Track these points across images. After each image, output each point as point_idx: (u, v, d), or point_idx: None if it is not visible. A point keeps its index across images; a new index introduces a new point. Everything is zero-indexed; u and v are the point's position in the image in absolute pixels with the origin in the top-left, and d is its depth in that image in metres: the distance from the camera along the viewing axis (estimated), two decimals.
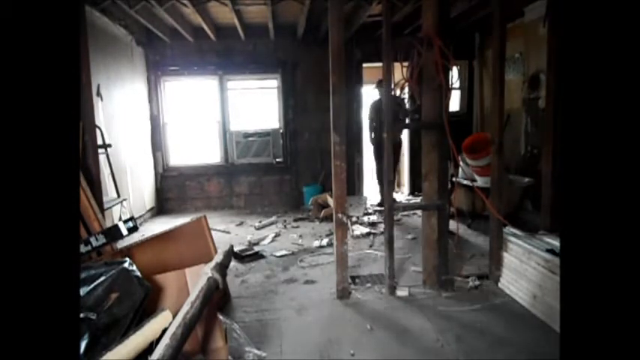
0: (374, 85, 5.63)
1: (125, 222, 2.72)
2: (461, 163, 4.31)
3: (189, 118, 6.30)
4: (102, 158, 3.63)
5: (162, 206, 6.20)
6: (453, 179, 4.05)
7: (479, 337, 2.36)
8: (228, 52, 6.05)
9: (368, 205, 5.39)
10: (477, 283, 3.04)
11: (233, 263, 3.47)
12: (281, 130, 6.28)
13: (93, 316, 1.91)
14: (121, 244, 2.91)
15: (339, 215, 2.84)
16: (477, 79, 6.33)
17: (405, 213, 5.44)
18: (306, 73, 6.17)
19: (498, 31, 2.86)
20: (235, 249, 3.75)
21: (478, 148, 4.29)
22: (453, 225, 3.14)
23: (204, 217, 2.89)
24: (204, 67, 6.05)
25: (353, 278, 3.22)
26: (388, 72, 2.77)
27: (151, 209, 5.90)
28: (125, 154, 4.93)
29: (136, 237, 2.98)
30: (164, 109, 6.16)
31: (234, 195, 6.36)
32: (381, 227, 4.54)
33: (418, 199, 6.07)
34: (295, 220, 5.40)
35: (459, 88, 6.50)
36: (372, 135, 5.62)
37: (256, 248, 4.13)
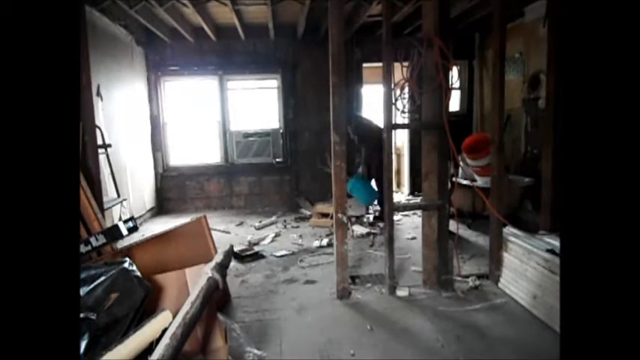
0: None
1: (125, 222, 2.72)
2: (461, 163, 4.31)
3: (189, 118, 6.30)
4: (102, 158, 3.63)
5: (162, 206, 6.20)
6: (453, 179, 4.05)
7: (479, 337, 2.36)
8: (228, 52, 6.05)
9: (371, 211, 5.38)
10: (477, 283, 3.04)
11: (233, 263, 3.47)
12: (281, 130, 6.28)
13: (93, 316, 1.91)
14: (121, 244, 2.92)
15: (339, 215, 2.84)
16: (477, 79, 6.33)
17: (405, 213, 5.44)
18: (306, 73, 6.17)
19: (498, 31, 2.87)
20: (235, 249, 3.75)
21: (478, 148, 4.29)
22: (453, 225, 3.14)
23: (204, 217, 2.89)
24: (204, 67, 6.05)
25: (353, 278, 3.21)
26: (388, 72, 2.77)
27: (151, 209, 5.90)
28: (125, 154, 4.93)
29: (136, 237, 2.98)
30: (164, 109, 6.16)
31: (234, 195, 6.36)
32: (381, 227, 4.54)
33: (418, 199, 6.07)
34: (295, 220, 5.40)
35: (459, 88, 6.50)
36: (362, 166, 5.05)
37: (256, 248, 4.13)
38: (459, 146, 4.18)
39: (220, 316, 2.31)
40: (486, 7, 4.42)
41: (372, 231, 4.60)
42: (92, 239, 2.55)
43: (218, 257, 2.52)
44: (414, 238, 4.32)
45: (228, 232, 4.96)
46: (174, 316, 1.92)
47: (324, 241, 4.26)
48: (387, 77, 2.78)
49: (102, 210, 3.03)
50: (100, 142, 3.44)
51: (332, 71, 2.77)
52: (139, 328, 1.86)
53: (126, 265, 2.28)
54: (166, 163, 6.22)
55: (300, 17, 5.18)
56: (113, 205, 3.88)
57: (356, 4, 4.70)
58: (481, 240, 4.12)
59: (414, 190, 6.58)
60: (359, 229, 4.61)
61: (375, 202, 5.20)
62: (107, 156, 3.99)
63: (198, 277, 2.30)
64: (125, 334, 1.86)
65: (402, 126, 5.41)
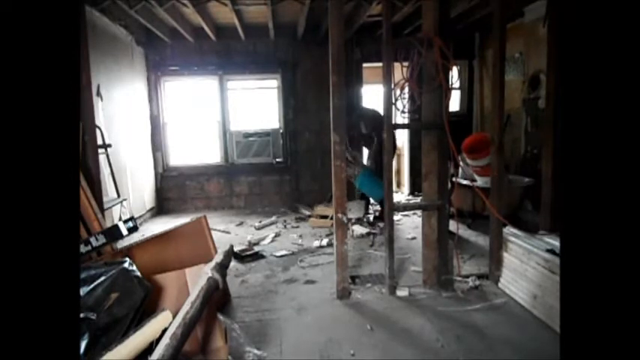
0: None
1: (125, 222, 2.72)
2: (461, 163, 4.31)
3: (189, 118, 6.30)
4: (102, 158, 3.63)
5: (162, 206, 6.20)
6: (453, 179, 4.05)
7: (479, 337, 2.36)
8: (228, 52, 6.05)
9: (371, 212, 5.38)
10: (477, 283, 3.04)
11: (233, 263, 3.47)
12: (281, 130, 6.28)
13: (93, 316, 1.91)
14: (121, 244, 2.92)
15: (339, 215, 2.84)
16: (477, 79, 6.33)
17: (405, 213, 5.44)
18: (306, 73, 6.17)
19: (498, 31, 2.86)
20: (235, 249, 3.75)
21: (478, 148, 4.29)
22: (453, 225, 3.14)
23: (204, 217, 2.89)
24: (204, 67, 6.05)
25: (353, 278, 3.21)
26: (388, 72, 2.77)
27: (151, 209, 5.90)
28: (125, 154, 4.93)
29: (136, 237, 2.98)
30: (164, 109, 6.15)
31: (234, 195, 6.36)
32: (381, 227, 4.54)
33: (418, 199, 6.07)
34: (295, 220, 5.40)
35: (459, 88, 6.50)
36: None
37: (256, 248, 4.13)
38: (459, 146, 4.18)
39: (220, 316, 2.31)
40: (486, 7, 4.42)
41: (372, 231, 4.60)
42: (92, 239, 2.55)
43: (218, 257, 2.52)
44: (414, 238, 4.32)
45: (228, 232, 4.96)
46: (174, 316, 1.92)
47: (324, 241, 4.26)
48: (387, 77, 2.78)
49: (102, 210, 3.03)
50: (100, 142, 3.44)
51: (332, 71, 2.77)
52: (139, 328, 1.86)
53: (126, 265, 2.28)
54: (166, 163, 6.22)
55: (300, 17, 5.17)
56: (113, 205, 3.88)
57: (356, 4, 4.70)
58: (481, 240, 4.12)
59: (414, 190, 6.58)
60: (359, 229, 4.61)
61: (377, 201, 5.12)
62: (107, 156, 3.99)
63: (198, 277, 2.30)
64: (125, 334, 1.86)
65: (402, 126, 5.41)
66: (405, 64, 2.95)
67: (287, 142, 6.29)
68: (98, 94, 4.22)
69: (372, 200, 5.39)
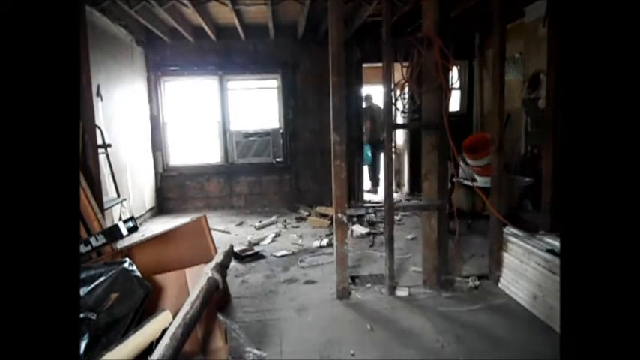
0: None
1: (125, 222, 2.72)
2: (461, 163, 4.31)
3: (189, 118, 6.30)
4: (102, 158, 3.63)
5: (162, 206, 6.19)
6: (453, 179, 4.05)
7: (479, 337, 2.36)
8: (228, 52, 6.04)
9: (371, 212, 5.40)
10: (477, 283, 3.04)
11: (233, 263, 3.47)
12: (281, 130, 6.28)
13: (93, 316, 1.91)
14: (121, 244, 2.91)
15: (339, 215, 2.84)
16: (476, 79, 6.32)
17: (405, 213, 5.44)
18: (306, 73, 6.17)
19: (498, 31, 2.87)
20: (235, 249, 3.75)
21: (478, 148, 4.29)
22: (453, 225, 3.14)
23: (204, 217, 2.89)
24: (204, 67, 6.05)
25: (353, 278, 3.22)
26: (388, 72, 2.77)
27: (151, 209, 5.90)
28: (125, 154, 4.93)
29: (136, 237, 2.98)
30: (164, 109, 6.15)
31: (234, 195, 6.36)
32: (381, 227, 4.54)
33: (418, 199, 6.07)
34: (295, 220, 5.40)
35: (459, 88, 6.49)
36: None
37: (256, 248, 4.13)
38: (459, 146, 4.18)
39: (220, 316, 2.31)
40: (486, 7, 4.41)
41: (372, 231, 4.60)
42: (92, 239, 2.55)
43: (218, 257, 2.52)
44: (414, 238, 4.32)
45: (228, 232, 4.96)
46: (174, 316, 1.92)
47: (324, 241, 4.26)
48: (387, 77, 2.78)
49: (102, 210, 3.03)
50: (100, 142, 3.44)
51: (332, 71, 2.76)
52: (139, 328, 1.86)
53: (126, 265, 2.28)
54: (166, 163, 6.22)
55: (300, 17, 5.17)
56: (113, 205, 3.88)
57: (356, 4, 4.69)
58: (481, 240, 4.11)
59: (414, 190, 6.57)
60: (359, 229, 4.61)
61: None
62: (107, 156, 3.99)
63: (198, 277, 2.30)
64: (125, 334, 1.86)
65: (402, 126, 5.44)
66: (405, 64, 2.95)
67: (287, 142, 6.29)
68: (98, 94, 4.22)
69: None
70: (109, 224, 2.99)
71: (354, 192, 6.19)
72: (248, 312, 2.77)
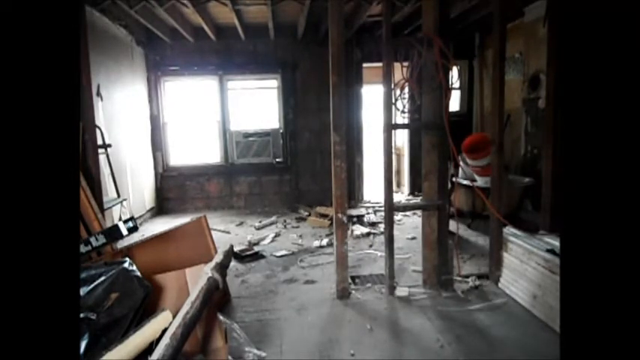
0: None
1: (125, 222, 2.72)
2: (461, 163, 4.31)
3: (189, 118, 6.30)
4: (102, 158, 3.63)
5: (162, 206, 6.20)
6: (453, 179, 4.05)
7: (479, 337, 2.36)
8: (228, 52, 6.05)
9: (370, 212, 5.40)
10: (477, 283, 3.04)
11: (233, 263, 3.47)
12: (281, 130, 6.28)
13: (93, 316, 1.91)
14: (121, 244, 2.92)
15: (339, 215, 2.84)
16: (476, 79, 6.33)
17: (405, 213, 5.44)
18: (306, 73, 6.17)
19: (498, 31, 2.86)
20: (235, 249, 3.75)
21: (478, 148, 4.28)
22: (453, 225, 3.14)
23: (204, 217, 2.89)
24: (204, 67, 6.05)
25: (353, 278, 3.22)
26: (388, 72, 2.77)
27: (151, 209, 5.90)
28: (125, 154, 4.93)
29: (136, 237, 2.98)
30: (164, 109, 6.15)
31: (234, 195, 6.36)
32: (381, 227, 4.54)
33: (418, 199, 6.07)
34: (295, 220, 5.40)
35: (459, 88, 6.50)
36: None
37: (256, 248, 4.13)
38: (459, 146, 4.18)
39: (220, 316, 2.31)
40: (486, 7, 4.42)
41: (372, 231, 4.60)
42: (92, 239, 2.55)
43: (218, 257, 2.53)
44: (414, 238, 4.32)
45: (228, 232, 4.96)
46: (174, 316, 1.92)
47: (324, 241, 4.26)
48: (387, 77, 2.78)
49: (102, 210, 3.03)
50: (100, 142, 3.44)
51: (332, 71, 2.76)
52: (139, 328, 1.86)
53: (126, 265, 2.28)
54: (166, 163, 6.22)
55: (300, 17, 5.17)
56: (113, 205, 3.88)
57: (356, 4, 4.70)
58: (481, 240, 4.12)
59: (414, 190, 6.58)
60: (359, 229, 4.61)
61: None
62: (107, 156, 3.99)
63: (198, 277, 2.30)
64: (125, 334, 1.86)
65: (402, 126, 5.43)
66: (405, 64, 2.95)
67: (287, 142, 6.29)
68: (98, 94, 4.22)
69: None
70: (109, 224, 2.99)
71: (354, 192, 6.21)
72: (248, 312, 2.77)
